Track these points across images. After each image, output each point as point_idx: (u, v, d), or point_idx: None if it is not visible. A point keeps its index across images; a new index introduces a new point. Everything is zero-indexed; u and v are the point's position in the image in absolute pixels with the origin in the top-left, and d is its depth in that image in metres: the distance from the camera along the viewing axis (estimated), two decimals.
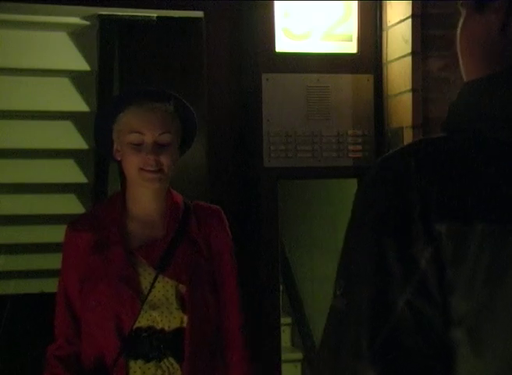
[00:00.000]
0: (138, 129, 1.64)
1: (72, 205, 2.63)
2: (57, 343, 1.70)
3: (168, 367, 1.62)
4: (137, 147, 1.65)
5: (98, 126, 1.75)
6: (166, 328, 1.63)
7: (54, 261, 2.52)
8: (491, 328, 0.73)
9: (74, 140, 2.59)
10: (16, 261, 2.62)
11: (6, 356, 2.48)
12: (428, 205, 0.74)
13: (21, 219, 2.62)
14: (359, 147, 2.37)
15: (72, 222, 1.75)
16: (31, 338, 2.41)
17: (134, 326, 1.61)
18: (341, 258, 0.81)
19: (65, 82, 2.56)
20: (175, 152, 1.70)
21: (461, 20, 0.87)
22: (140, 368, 1.61)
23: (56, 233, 2.54)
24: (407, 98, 2.21)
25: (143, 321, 1.62)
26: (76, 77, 2.56)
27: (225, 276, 1.75)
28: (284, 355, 2.39)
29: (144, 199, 1.72)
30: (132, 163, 1.66)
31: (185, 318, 1.64)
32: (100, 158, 2.54)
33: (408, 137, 2.20)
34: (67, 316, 1.69)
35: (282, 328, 2.56)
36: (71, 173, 2.60)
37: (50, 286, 2.47)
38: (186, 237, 1.71)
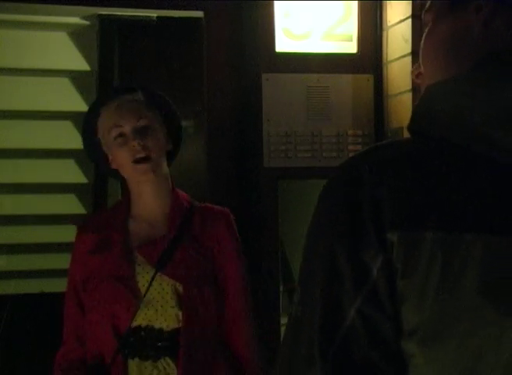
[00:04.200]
0: (115, 123, 1.68)
1: (72, 205, 2.62)
2: (67, 345, 1.70)
3: (164, 367, 1.62)
4: (121, 139, 1.67)
5: (89, 143, 1.78)
6: (165, 327, 1.63)
7: (54, 261, 2.52)
8: (443, 339, 0.72)
9: (74, 140, 2.58)
10: (16, 261, 2.62)
11: (6, 356, 2.48)
12: (381, 213, 0.73)
13: (21, 219, 2.61)
14: (359, 147, 2.37)
15: (81, 223, 1.79)
16: (31, 338, 2.41)
17: (133, 325, 1.62)
18: (300, 265, 0.80)
19: (65, 82, 2.55)
20: (160, 138, 1.72)
21: (428, 25, 0.87)
22: (136, 366, 1.62)
23: (56, 233, 2.54)
24: (407, 98, 2.21)
25: (139, 320, 1.62)
26: (76, 77, 2.56)
27: (228, 280, 1.75)
28: None
29: (145, 197, 1.73)
30: (122, 158, 1.68)
31: (181, 317, 1.63)
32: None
33: None
34: (78, 315, 1.69)
35: (282, 328, 2.55)
36: (71, 173, 2.60)
37: (50, 286, 2.47)
38: (188, 236, 1.71)
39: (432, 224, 0.72)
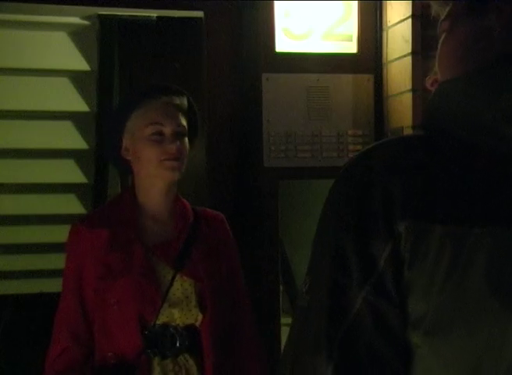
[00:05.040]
0: (158, 120, 1.69)
1: (72, 205, 2.62)
2: (60, 345, 1.67)
3: (184, 363, 1.66)
4: (158, 138, 1.68)
5: (110, 125, 1.77)
6: (180, 324, 1.66)
7: (54, 261, 2.52)
8: (449, 331, 0.73)
9: (74, 140, 2.58)
10: (16, 261, 2.62)
11: (6, 356, 2.48)
12: (390, 204, 0.74)
13: (21, 219, 2.61)
14: (359, 147, 2.37)
15: (81, 220, 1.75)
16: (31, 338, 2.41)
17: (152, 323, 1.63)
18: (310, 256, 0.82)
19: (65, 82, 2.55)
20: (187, 146, 1.75)
21: (445, 33, 0.87)
22: (158, 364, 1.63)
23: (56, 233, 2.54)
24: (407, 98, 2.21)
25: (161, 318, 1.64)
26: (76, 77, 2.56)
27: (235, 279, 1.80)
28: None
29: (156, 197, 1.74)
30: (151, 156, 1.68)
31: (200, 316, 1.67)
32: (100, 158, 2.53)
33: None
34: (79, 314, 1.67)
35: (282, 328, 2.55)
36: (71, 173, 2.60)
37: (50, 286, 2.47)
38: (199, 238, 1.74)
39: (442, 217, 0.73)
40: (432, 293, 0.72)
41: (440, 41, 0.89)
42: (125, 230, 1.69)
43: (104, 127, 1.85)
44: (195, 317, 1.68)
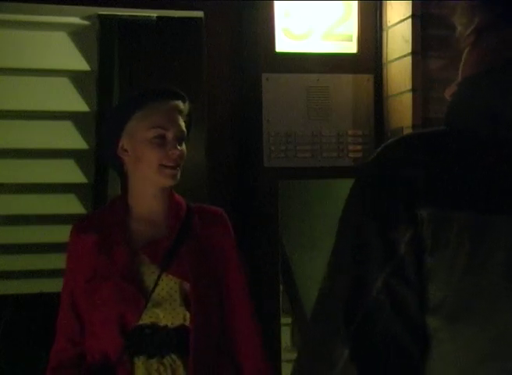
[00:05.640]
0: (161, 124, 1.68)
1: (72, 206, 2.62)
2: (58, 345, 1.71)
3: (170, 364, 1.64)
4: (160, 142, 1.67)
5: (110, 125, 1.76)
6: (169, 325, 1.65)
7: (54, 261, 2.52)
8: (467, 318, 0.73)
9: (74, 140, 2.58)
10: (16, 261, 2.62)
11: (6, 356, 2.48)
12: (412, 189, 0.75)
13: (21, 219, 2.62)
14: (359, 147, 2.37)
15: (77, 223, 1.76)
16: (31, 338, 2.42)
17: (137, 324, 1.63)
18: (331, 252, 0.83)
19: (65, 82, 2.55)
20: (185, 151, 1.75)
21: (470, 45, 0.88)
22: (142, 364, 1.63)
23: (56, 233, 2.54)
24: (407, 98, 2.21)
25: (146, 318, 1.64)
26: (76, 77, 2.56)
27: (231, 277, 1.77)
28: (284, 355, 2.39)
29: (149, 198, 1.74)
30: (152, 159, 1.68)
31: (187, 315, 1.65)
32: (100, 159, 2.54)
33: None
34: (72, 316, 1.69)
35: (282, 328, 2.56)
36: (71, 173, 2.60)
37: (50, 286, 2.48)
38: (190, 236, 1.72)
39: (463, 205, 0.74)
40: (452, 278, 0.73)
41: (464, 54, 0.90)
42: (112, 232, 1.69)
43: (103, 126, 1.84)
44: (182, 316, 1.66)
